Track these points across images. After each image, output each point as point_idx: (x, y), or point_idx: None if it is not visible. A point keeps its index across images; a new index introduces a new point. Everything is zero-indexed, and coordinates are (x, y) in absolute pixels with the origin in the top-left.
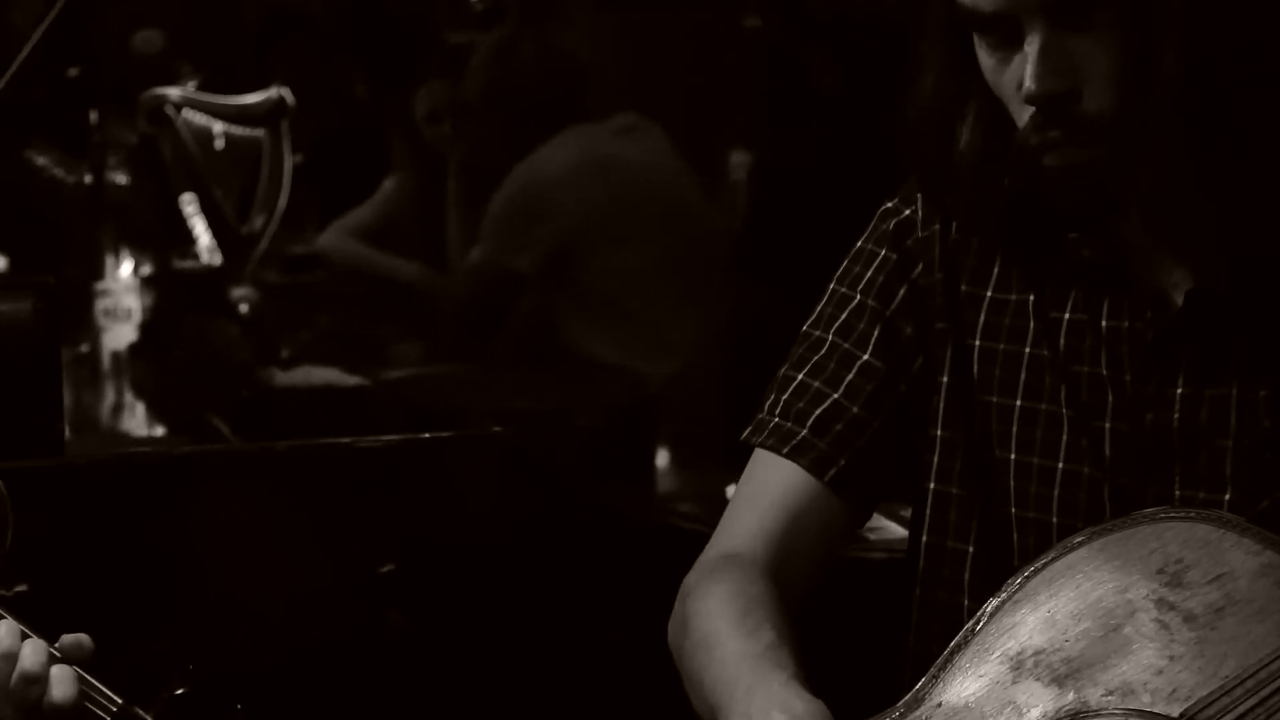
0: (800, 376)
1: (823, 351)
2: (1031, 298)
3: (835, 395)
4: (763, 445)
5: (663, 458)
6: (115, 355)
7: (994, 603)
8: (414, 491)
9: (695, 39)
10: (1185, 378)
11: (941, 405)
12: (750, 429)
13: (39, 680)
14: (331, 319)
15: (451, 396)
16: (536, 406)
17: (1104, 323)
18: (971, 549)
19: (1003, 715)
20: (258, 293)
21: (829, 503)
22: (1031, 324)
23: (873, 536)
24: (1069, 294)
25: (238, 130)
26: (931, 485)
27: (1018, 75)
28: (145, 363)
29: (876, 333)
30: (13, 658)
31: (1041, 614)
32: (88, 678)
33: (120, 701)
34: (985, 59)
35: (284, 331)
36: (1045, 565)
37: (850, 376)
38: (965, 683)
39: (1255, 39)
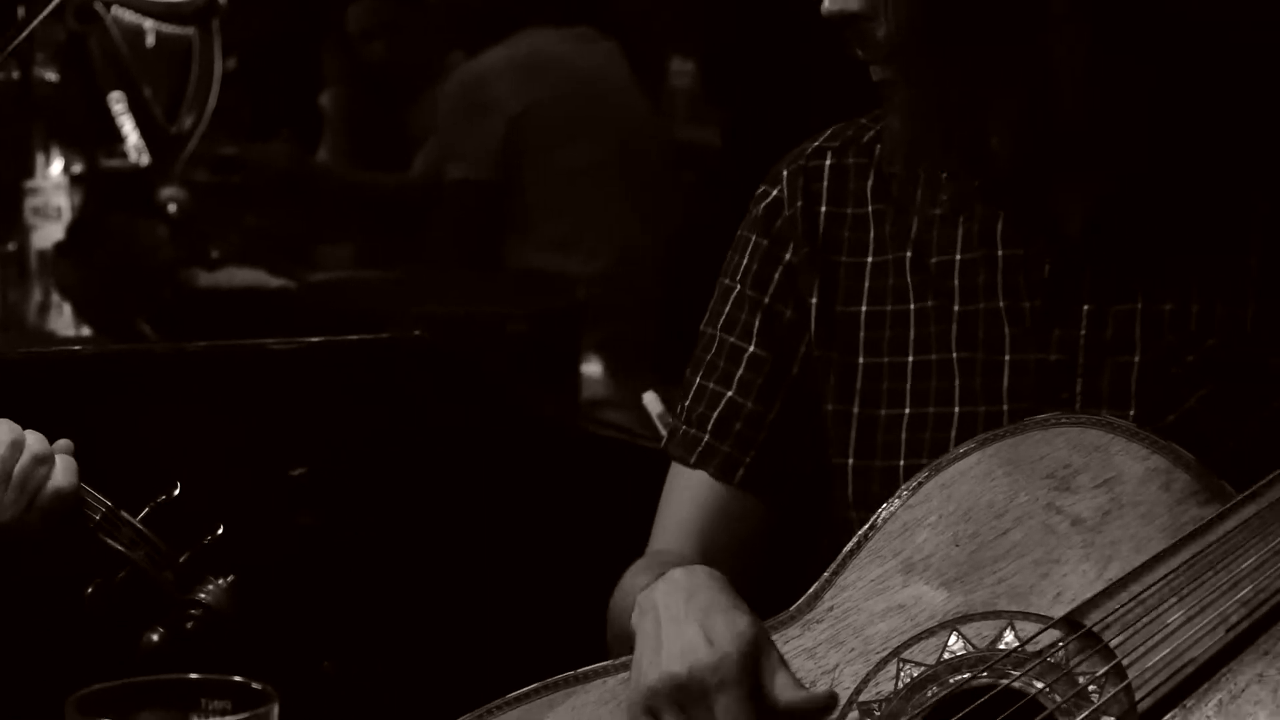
0: (698, 380)
1: (713, 350)
2: (909, 254)
3: (729, 394)
4: (673, 456)
5: (591, 365)
6: (42, 254)
7: (886, 510)
8: (331, 394)
9: None
10: (1090, 294)
11: (826, 378)
12: (665, 437)
13: (47, 460)
14: (260, 220)
15: (377, 300)
16: (463, 311)
17: (1000, 252)
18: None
19: (892, 618)
20: (186, 193)
21: (744, 502)
22: (912, 280)
23: None
24: (956, 235)
25: (168, 28)
26: (831, 460)
27: None
28: (72, 262)
29: (757, 322)
30: (20, 445)
31: (932, 519)
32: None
33: (109, 504)
34: None
35: (212, 232)
36: (937, 471)
37: (740, 372)
38: (857, 586)
39: None
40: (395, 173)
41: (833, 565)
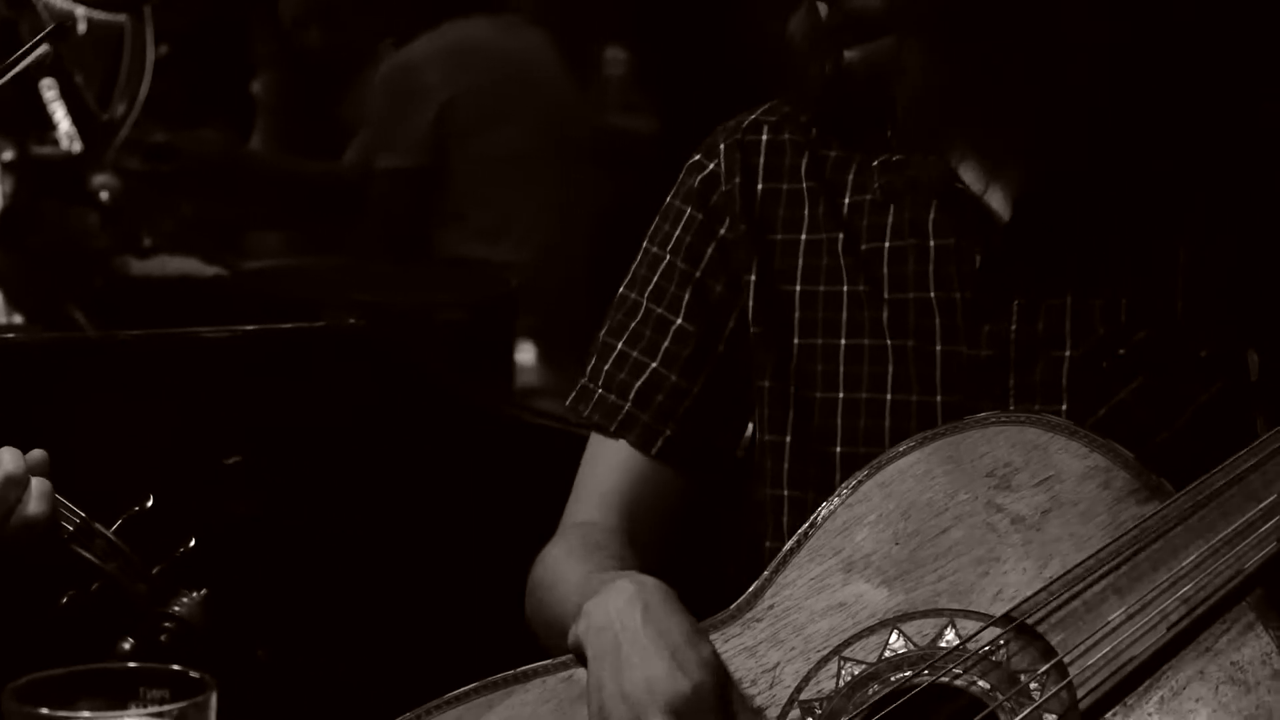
0: (620, 345)
1: (639, 317)
2: (841, 236)
3: (654, 364)
4: (591, 422)
5: (524, 353)
6: None
7: (827, 507)
8: (265, 383)
9: None
10: (1021, 288)
11: (766, 355)
12: (575, 395)
13: (21, 484)
14: (193, 208)
15: (311, 288)
16: (397, 299)
17: (932, 243)
18: (810, 495)
19: (833, 616)
20: (118, 180)
21: (661, 473)
22: (845, 261)
23: None
24: (887, 223)
25: (100, 14)
26: (766, 437)
27: None
28: (4, 249)
29: (688, 295)
30: None
31: (873, 518)
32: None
33: (83, 515)
34: None
35: (145, 220)
36: (877, 470)
37: (666, 343)
38: (798, 584)
39: None
40: (327, 160)
41: (773, 564)
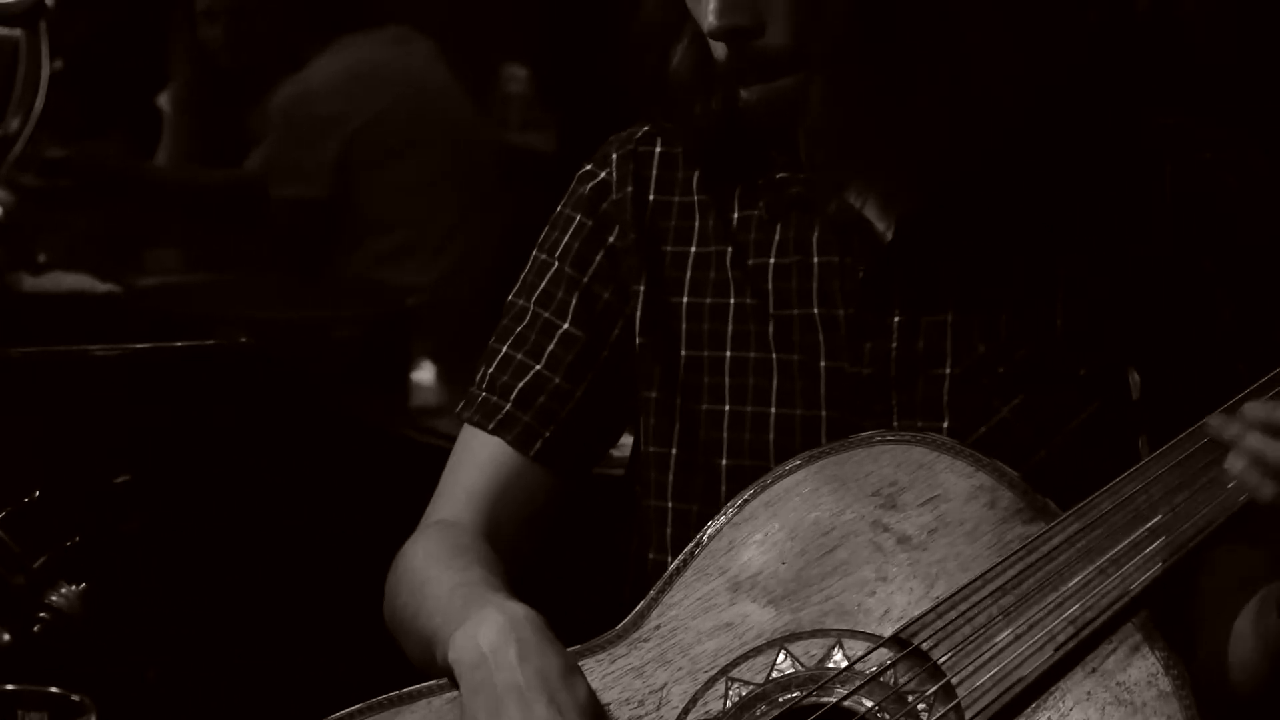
0: (504, 349)
1: (525, 322)
2: (730, 249)
3: (537, 367)
4: (470, 421)
5: (422, 372)
6: None
7: (713, 527)
8: (156, 401)
9: None
10: (901, 306)
11: (653, 366)
12: (462, 403)
13: None
14: (88, 224)
15: (206, 305)
16: (291, 316)
17: (816, 259)
18: (695, 508)
19: (720, 636)
20: (12, 196)
21: (536, 474)
22: (733, 274)
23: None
24: (773, 239)
25: None
26: (650, 448)
27: (706, 10)
28: None
29: (575, 301)
30: None
31: (759, 537)
32: None
33: None
34: None
35: (39, 236)
36: (764, 489)
37: (551, 347)
38: (684, 604)
39: None
40: (227, 170)
41: (659, 583)
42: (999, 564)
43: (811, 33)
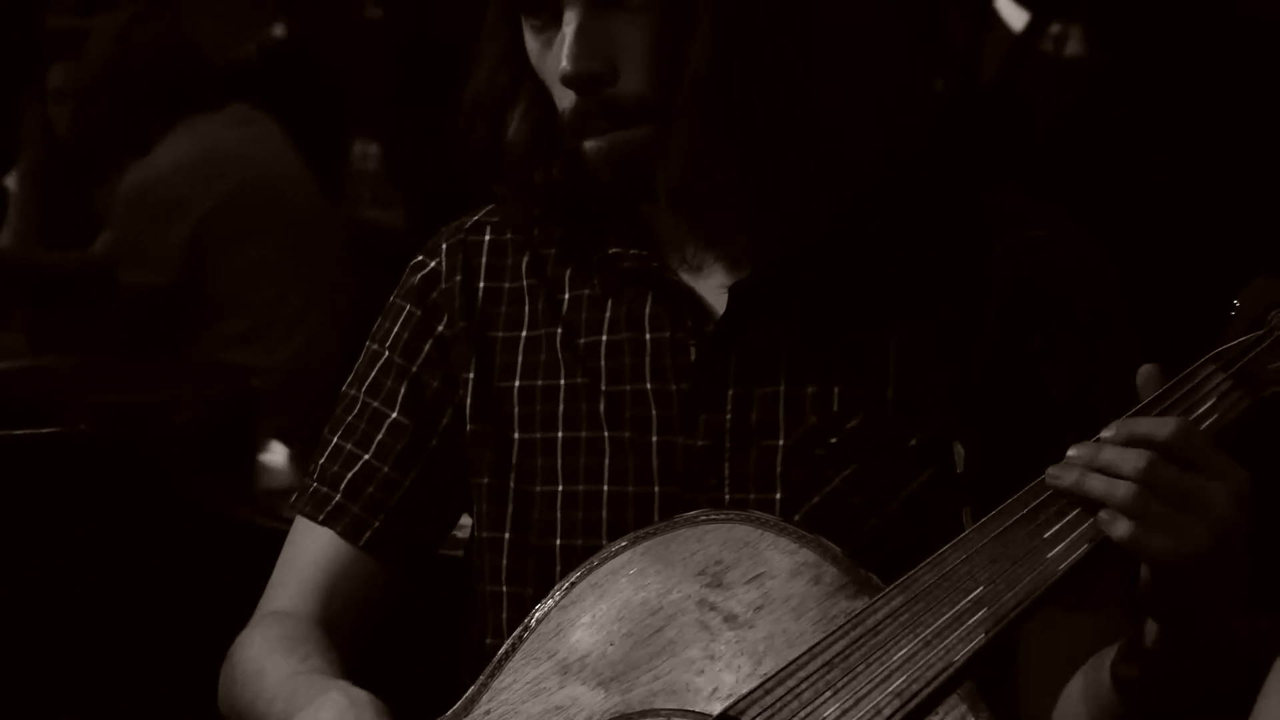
0: (335, 440)
1: (355, 411)
2: (560, 331)
3: (366, 457)
4: (301, 512)
5: (271, 454)
6: None
7: (540, 610)
8: None
9: (316, 29)
10: (735, 378)
11: (484, 452)
12: (296, 494)
13: None
14: None
15: (47, 389)
16: (135, 400)
17: (648, 336)
18: (530, 591)
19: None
20: None
21: (368, 563)
22: (563, 355)
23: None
24: (605, 316)
25: None
26: (484, 534)
27: (558, 57)
28: None
29: (403, 390)
30: None
31: (587, 619)
32: None
33: None
34: (531, 43)
35: None
36: (590, 571)
37: (380, 436)
38: (514, 689)
39: (786, 29)
40: (73, 251)
41: (488, 668)
42: (824, 639)
43: (669, 84)
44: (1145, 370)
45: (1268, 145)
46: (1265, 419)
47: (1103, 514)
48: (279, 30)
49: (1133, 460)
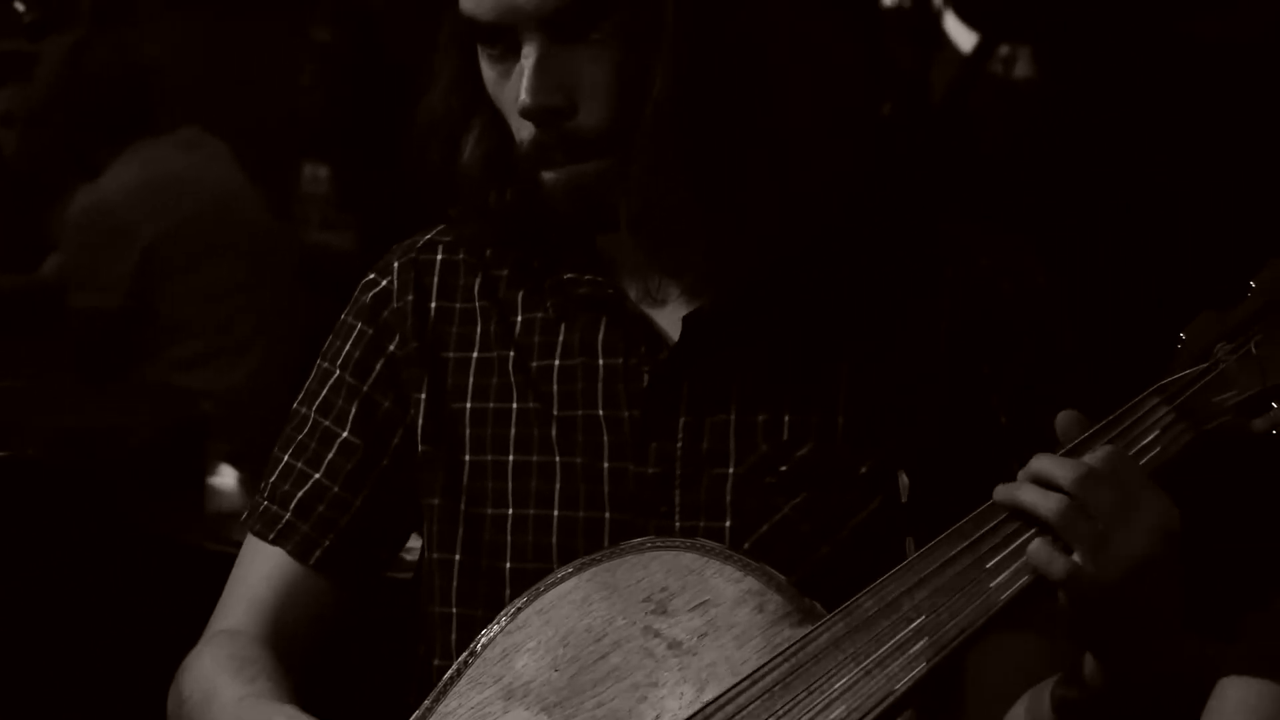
0: (286, 458)
1: (306, 430)
2: (512, 354)
3: (317, 476)
4: (252, 531)
5: (222, 478)
6: None
7: (486, 635)
8: None
9: (264, 51)
10: (687, 406)
11: (435, 473)
12: (247, 512)
13: None
14: None
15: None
16: (85, 424)
17: (601, 361)
18: (479, 613)
19: None
20: None
21: (318, 583)
22: (515, 379)
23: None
24: (558, 341)
25: None
26: (434, 555)
27: (516, 88)
28: None
29: (355, 409)
30: None
31: (532, 644)
32: None
33: None
34: (488, 72)
35: None
36: (536, 597)
37: (331, 455)
38: (458, 713)
39: (743, 60)
40: (22, 274)
41: (434, 692)
42: (766, 666)
43: (629, 116)
44: (1065, 416)
45: (1214, 169)
46: (1209, 453)
47: (1035, 543)
48: (229, 53)
49: (1070, 471)
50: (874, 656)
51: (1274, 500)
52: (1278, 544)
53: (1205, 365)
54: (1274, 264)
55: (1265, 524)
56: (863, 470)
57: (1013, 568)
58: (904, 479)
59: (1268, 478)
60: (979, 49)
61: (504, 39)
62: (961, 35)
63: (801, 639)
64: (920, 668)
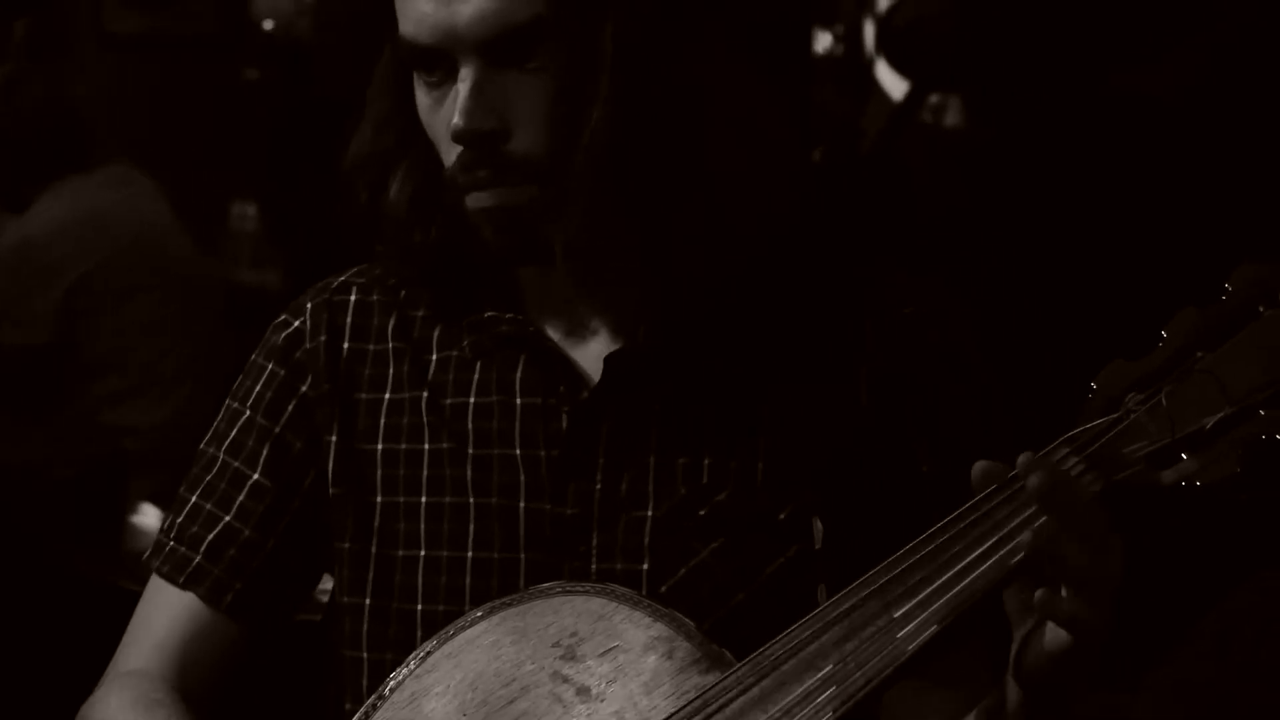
0: (194, 499)
1: (214, 471)
2: (425, 394)
3: (227, 518)
4: (159, 572)
5: (148, 516)
6: None
7: (395, 679)
8: None
9: (194, 89)
10: (606, 447)
11: (346, 516)
12: (150, 551)
13: None
14: None
15: None
16: (4, 460)
17: (519, 400)
18: (390, 656)
19: None
20: None
21: (228, 627)
22: (428, 419)
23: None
24: (473, 379)
25: None
26: (345, 599)
27: (450, 113)
28: None
29: (266, 451)
30: None
31: (440, 688)
32: None
33: None
34: (423, 99)
35: None
36: (446, 640)
37: (241, 498)
38: None
39: (679, 93)
40: None
41: None
42: (674, 715)
43: (562, 144)
44: (979, 467)
45: (1139, 219)
46: (1118, 504)
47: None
48: (159, 90)
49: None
50: (780, 705)
51: (1180, 552)
52: (1183, 596)
53: (1116, 415)
54: (1185, 314)
55: (1171, 576)
56: (781, 516)
57: (920, 617)
58: (819, 525)
59: (1175, 530)
60: (910, 97)
61: (442, 64)
62: (892, 83)
63: (709, 687)
64: (826, 717)
